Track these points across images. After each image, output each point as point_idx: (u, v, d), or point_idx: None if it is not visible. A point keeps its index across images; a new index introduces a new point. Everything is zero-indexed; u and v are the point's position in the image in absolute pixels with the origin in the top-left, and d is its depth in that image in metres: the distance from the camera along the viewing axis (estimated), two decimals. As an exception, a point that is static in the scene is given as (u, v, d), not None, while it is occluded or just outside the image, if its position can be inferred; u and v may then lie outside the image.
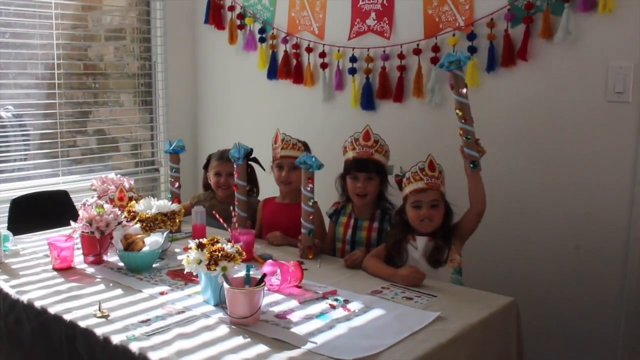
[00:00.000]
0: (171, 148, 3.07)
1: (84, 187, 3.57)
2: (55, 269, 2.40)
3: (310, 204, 2.60)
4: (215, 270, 1.96)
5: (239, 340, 1.79)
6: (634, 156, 2.61)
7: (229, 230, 2.58)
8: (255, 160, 3.16)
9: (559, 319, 2.85)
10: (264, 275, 1.97)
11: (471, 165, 2.37)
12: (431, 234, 2.44)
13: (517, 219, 2.91)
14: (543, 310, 2.82)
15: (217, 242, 2.03)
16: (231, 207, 2.77)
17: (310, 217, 2.62)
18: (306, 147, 2.99)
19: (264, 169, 3.14)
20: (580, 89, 2.73)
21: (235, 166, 2.90)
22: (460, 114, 2.37)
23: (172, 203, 2.71)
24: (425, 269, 2.33)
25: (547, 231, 2.86)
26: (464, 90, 2.35)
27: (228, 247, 2.01)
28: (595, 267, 2.75)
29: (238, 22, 3.88)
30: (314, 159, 2.56)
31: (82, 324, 1.89)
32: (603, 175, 2.70)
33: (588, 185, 2.74)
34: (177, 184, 3.07)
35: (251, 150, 3.11)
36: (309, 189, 2.59)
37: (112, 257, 2.51)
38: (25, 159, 3.66)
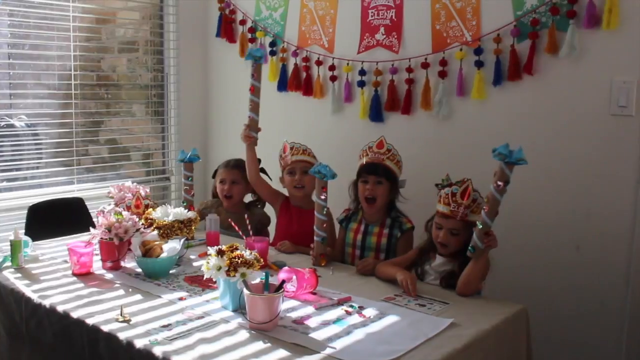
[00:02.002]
0: (187, 157, 3.15)
1: (97, 194, 3.66)
2: (74, 274, 2.46)
3: (324, 212, 2.68)
4: (234, 276, 2.03)
5: (260, 345, 1.84)
6: (637, 168, 2.68)
7: (244, 237, 2.65)
8: (263, 170, 3.24)
9: (562, 325, 2.90)
10: (283, 281, 2.03)
11: (470, 250, 2.30)
12: (451, 255, 2.45)
13: (522, 229, 2.97)
14: (546, 315, 2.87)
15: (237, 249, 2.10)
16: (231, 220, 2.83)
17: (324, 226, 2.68)
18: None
19: (271, 179, 3.22)
20: (584, 103, 2.80)
21: (252, 66, 3.05)
22: (486, 205, 2.29)
23: (187, 211, 2.78)
24: (438, 289, 2.39)
25: (552, 241, 2.92)
26: (501, 185, 2.22)
27: (247, 254, 2.08)
28: (598, 275, 2.81)
29: (249, 35, 3.95)
30: (328, 169, 2.63)
31: (105, 328, 1.95)
32: (607, 187, 2.77)
33: (592, 197, 2.81)
34: (192, 193, 3.14)
35: (259, 161, 3.20)
36: (322, 197, 2.66)
37: (129, 263, 2.58)
38: (37, 168, 3.73)
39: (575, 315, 2.88)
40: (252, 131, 3.09)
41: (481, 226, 2.27)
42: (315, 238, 2.69)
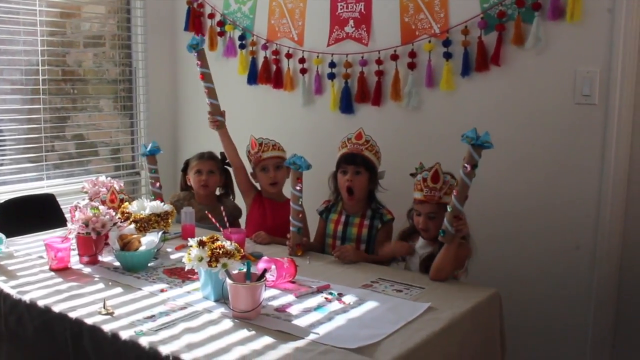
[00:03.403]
0: (147, 150, 3.16)
1: (68, 190, 3.64)
2: (52, 270, 2.45)
3: (300, 203, 2.71)
4: (216, 266, 2.05)
5: (244, 333, 1.88)
6: (600, 154, 2.77)
7: (220, 229, 2.67)
8: (229, 164, 3.27)
9: (534, 310, 2.99)
10: (265, 270, 2.07)
11: (440, 233, 2.33)
12: (432, 239, 2.49)
13: (494, 216, 3.04)
14: (518, 302, 2.94)
15: (217, 240, 2.12)
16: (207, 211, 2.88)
17: (300, 216, 2.72)
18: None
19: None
20: (550, 92, 2.88)
21: (196, 55, 3.09)
22: (456, 190, 2.34)
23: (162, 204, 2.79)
24: (418, 273, 2.46)
25: (523, 228, 3.00)
26: (468, 168, 2.27)
27: (227, 245, 2.11)
28: (564, 262, 2.90)
29: (218, 29, 3.96)
30: (303, 160, 2.67)
31: (89, 321, 1.96)
32: (572, 174, 2.86)
33: (558, 184, 2.90)
34: (157, 184, 3.15)
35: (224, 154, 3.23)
36: (298, 188, 2.70)
37: (106, 257, 2.58)
38: (1, 165, 3.68)
39: (545, 301, 2.97)
40: (216, 116, 3.13)
41: (451, 209, 2.31)
42: (291, 228, 2.73)
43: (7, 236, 2.82)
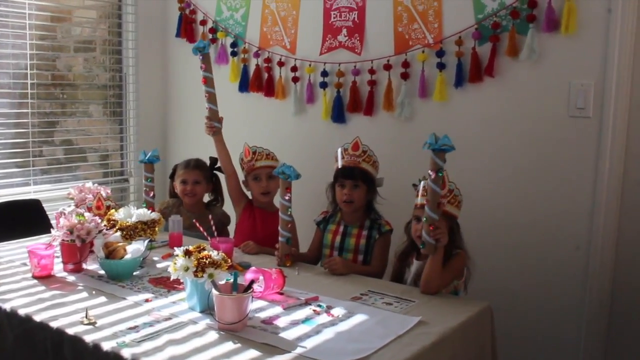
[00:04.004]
0: (146, 158, 3.11)
1: (55, 196, 3.59)
2: (35, 277, 2.40)
3: (289, 213, 2.67)
4: (202, 277, 2.01)
5: (230, 345, 1.83)
6: (594, 167, 2.75)
7: (208, 238, 2.63)
8: (221, 169, 3.23)
9: (526, 323, 2.96)
10: (252, 281, 2.02)
11: (421, 246, 2.30)
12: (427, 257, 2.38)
13: (485, 227, 3.00)
14: (511, 314, 2.91)
15: (204, 249, 2.08)
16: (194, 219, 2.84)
17: (289, 226, 2.68)
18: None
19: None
20: (544, 105, 2.86)
21: (200, 58, 3.07)
22: (426, 199, 2.30)
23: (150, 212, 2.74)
24: (408, 287, 2.42)
25: (515, 239, 2.97)
26: (432, 175, 2.25)
27: (214, 254, 2.06)
28: (558, 274, 2.88)
29: (210, 36, 3.92)
30: (292, 169, 2.63)
31: (70, 331, 1.91)
32: (566, 186, 2.83)
33: (551, 196, 2.87)
34: (152, 194, 3.10)
35: (216, 160, 3.19)
36: (287, 198, 2.66)
37: (91, 266, 2.52)
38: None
39: (537, 313, 2.94)
40: (213, 122, 3.09)
41: (425, 219, 2.27)
42: (280, 239, 2.69)
43: (-10, 242, 2.78)
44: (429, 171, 2.25)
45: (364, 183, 2.78)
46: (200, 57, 3.07)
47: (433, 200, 2.26)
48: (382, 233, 2.79)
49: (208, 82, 3.09)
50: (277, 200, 3.02)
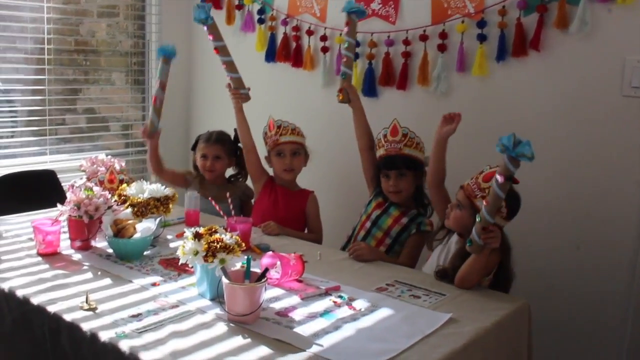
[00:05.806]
0: (165, 52, 3.06)
1: (71, 167, 3.46)
2: (39, 254, 2.26)
3: (346, 47, 2.85)
4: (212, 262, 1.84)
5: (239, 340, 1.67)
6: (648, 153, 2.52)
7: (225, 217, 2.46)
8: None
9: (564, 318, 2.77)
10: (266, 269, 1.84)
11: (468, 243, 2.10)
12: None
13: (523, 215, 2.80)
14: (547, 309, 2.73)
15: (216, 232, 1.91)
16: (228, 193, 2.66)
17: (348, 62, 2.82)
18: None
19: None
20: (594, 83, 2.63)
21: (206, 29, 2.91)
22: (487, 199, 2.08)
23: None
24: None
25: (552, 228, 2.78)
26: (500, 180, 1.99)
27: (227, 238, 1.89)
28: (601, 266, 2.66)
29: (236, 2, 3.75)
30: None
31: (68, 317, 1.77)
32: (616, 171, 2.61)
33: (599, 182, 2.65)
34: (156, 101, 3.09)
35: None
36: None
37: (100, 243, 2.38)
38: (12, 136, 3.52)
39: (578, 302, 2.74)
40: (240, 89, 2.93)
41: (479, 220, 2.06)
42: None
43: (2, 213, 2.65)
44: (497, 175, 2.00)
45: (410, 169, 2.60)
46: (205, 27, 2.91)
47: (494, 204, 2.03)
48: (420, 230, 2.61)
49: (221, 51, 2.92)
50: (300, 180, 2.87)
